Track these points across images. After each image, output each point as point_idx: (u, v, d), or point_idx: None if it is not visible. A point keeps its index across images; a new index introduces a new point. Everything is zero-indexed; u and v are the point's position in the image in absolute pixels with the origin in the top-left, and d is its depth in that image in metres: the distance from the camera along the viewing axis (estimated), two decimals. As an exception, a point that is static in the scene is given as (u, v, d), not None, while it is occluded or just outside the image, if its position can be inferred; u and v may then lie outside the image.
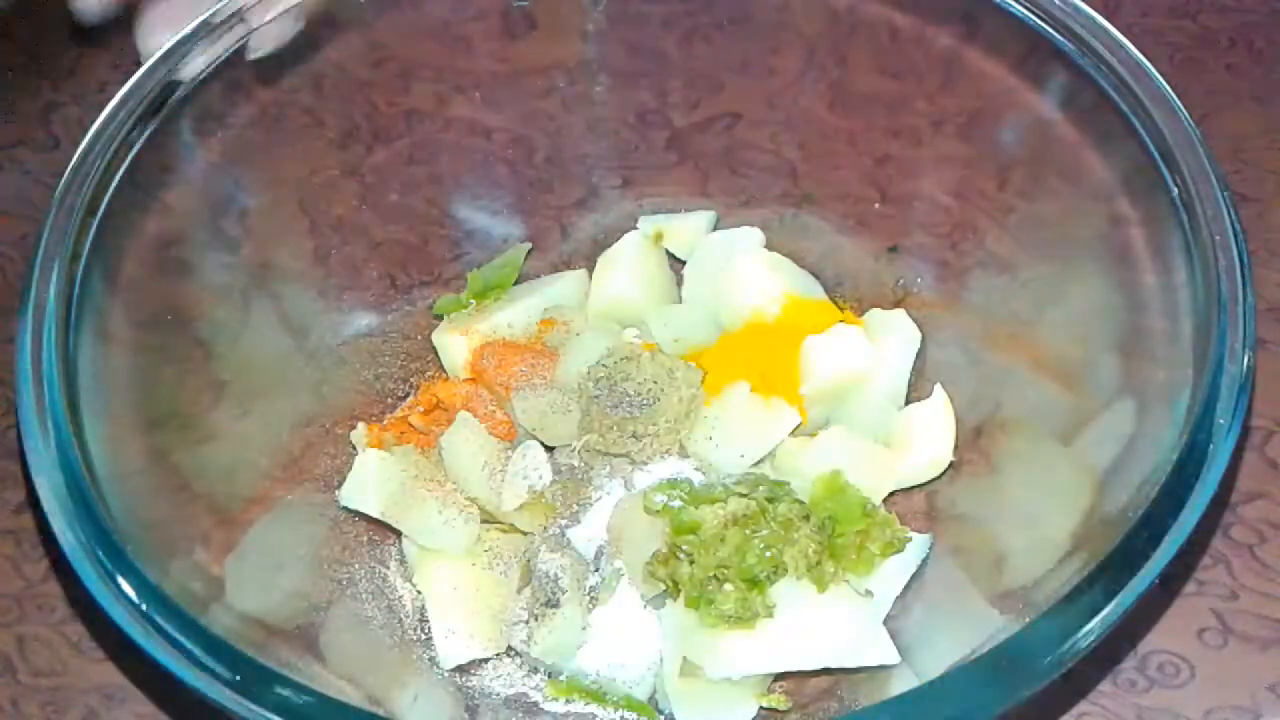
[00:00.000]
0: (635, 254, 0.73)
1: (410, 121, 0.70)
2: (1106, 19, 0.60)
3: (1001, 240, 0.67)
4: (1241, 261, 0.54)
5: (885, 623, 0.62)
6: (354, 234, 0.71)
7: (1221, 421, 0.51)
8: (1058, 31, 0.60)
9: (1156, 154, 0.57)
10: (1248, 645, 0.65)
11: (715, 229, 0.74)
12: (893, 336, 0.70)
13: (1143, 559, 0.48)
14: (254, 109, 0.62)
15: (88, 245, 0.56)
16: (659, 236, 0.74)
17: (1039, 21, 0.60)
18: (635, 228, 0.74)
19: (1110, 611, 0.47)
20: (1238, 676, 0.64)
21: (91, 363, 0.55)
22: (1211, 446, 0.50)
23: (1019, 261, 0.67)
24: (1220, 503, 0.51)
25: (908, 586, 0.63)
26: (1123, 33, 0.60)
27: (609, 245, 0.74)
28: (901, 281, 0.72)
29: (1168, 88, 0.58)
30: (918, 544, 0.64)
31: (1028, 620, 0.49)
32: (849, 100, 0.69)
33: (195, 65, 0.59)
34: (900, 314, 0.70)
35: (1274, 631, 0.65)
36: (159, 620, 0.48)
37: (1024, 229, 0.66)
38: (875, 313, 0.71)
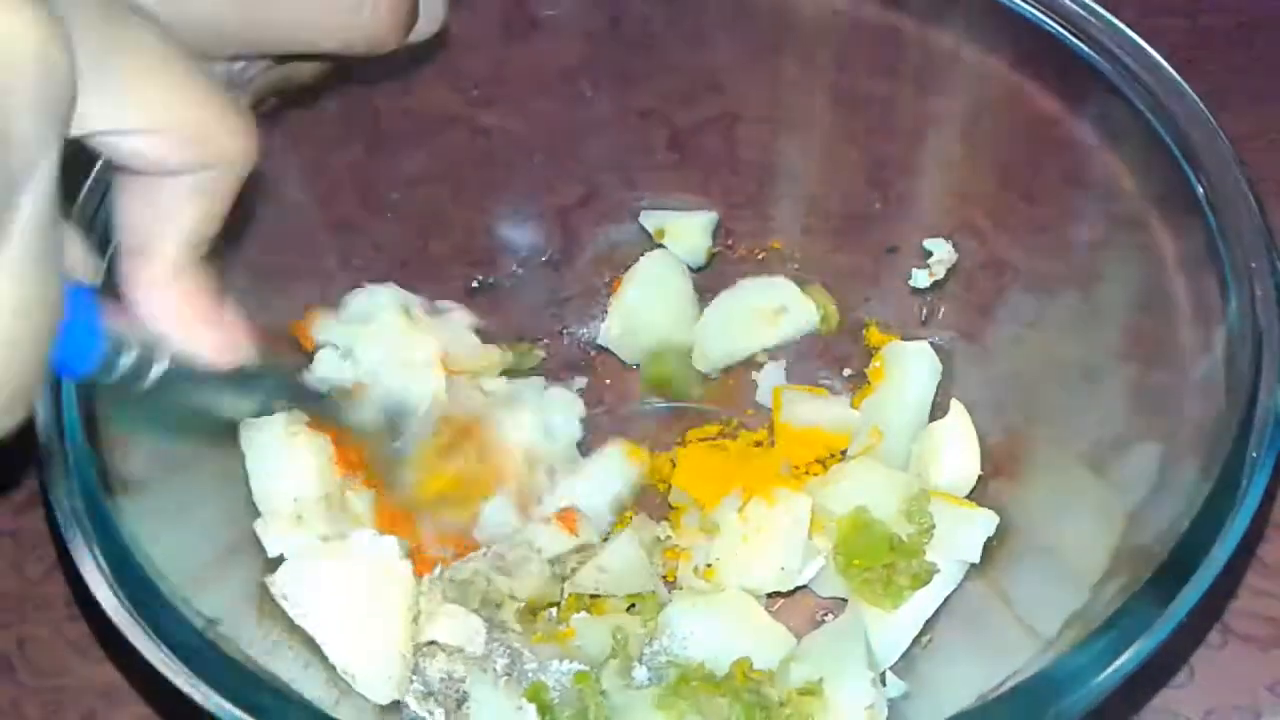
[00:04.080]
0: (658, 274, 0.73)
1: (410, 122, 0.70)
2: (1106, 19, 0.60)
3: (1003, 242, 0.67)
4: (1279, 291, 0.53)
5: (910, 649, 0.62)
6: (354, 235, 0.71)
7: (1254, 455, 0.49)
8: (1065, 29, 0.60)
9: (1185, 163, 0.56)
10: (1248, 645, 0.65)
11: (716, 229, 0.74)
12: (914, 369, 0.69)
13: (1171, 595, 0.47)
14: (251, 109, 0.62)
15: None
16: (660, 234, 0.74)
17: (1044, 19, 0.60)
18: (636, 225, 0.74)
19: (1139, 649, 0.46)
20: (1238, 676, 0.64)
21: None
22: (1243, 483, 0.49)
23: (1024, 264, 0.67)
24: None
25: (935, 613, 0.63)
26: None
27: (609, 244, 0.74)
28: (923, 297, 0.71)
29: (1186, 86, 0.57)
30: (949, 567, 0.63)
31: (1055, 654, 0.48)
32: (849, 100, 0.69)
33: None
34: (922, 346, 0.70)
35: (1274, 631, 0.65)
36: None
37: (1028, 231, 0.66)
38: (895, 344, 0.71)
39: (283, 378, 0.54)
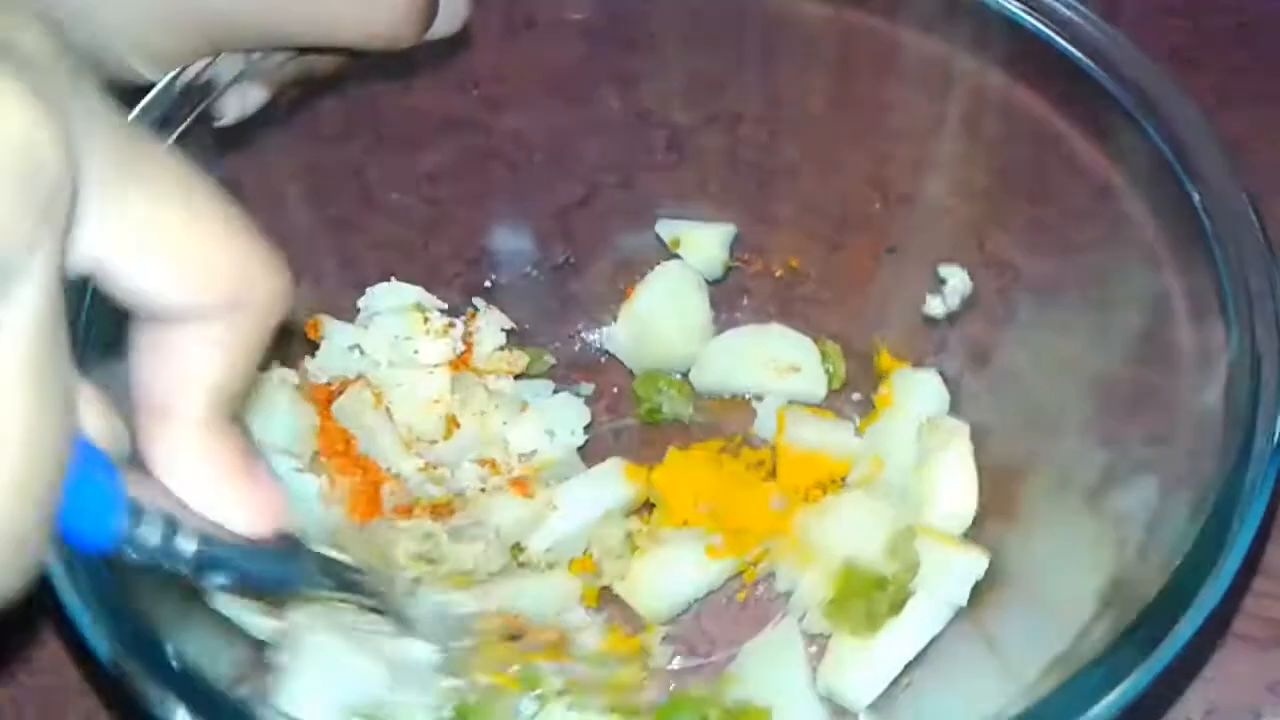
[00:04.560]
0: (672, 286, 0.72)
1: (409, 120, 0.70)
2: (1106, 18, 0.60)
3: (1003, 242, 0.67)
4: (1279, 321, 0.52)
5: (896, 687, 0.62)
6: (353, 233, 0.71)
7: (1251, 491, 0.48)
8: (1056, 34, 0.59)
9: (1180, 169, 0.56)
10: (1248, 646, 0.65)
11: (733, 244, 0.74)
12: (921, 398, 0.69)
13: (1155, 642, 0.46)
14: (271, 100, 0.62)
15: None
16: (675, 244, 0.73)
17: (1036, 24, 0.60)
18: (635, 228, 0.74)
19: (1119, 696, 0.46)
20: (1238, 676, 0.64)
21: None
22: (1236, 521, 0.48)
23: (1022, 264, 0.66)
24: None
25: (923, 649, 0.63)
26: (1122, 32, 0.60)
27: (625, 252, 0.74)
28: (936, 325, 0.71)
29: (1184, 96, 0.57)
30: (936, 609, 0.63)
31: (1032, 698, 0.47)
32: (849, 100, 0.69)
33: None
34: (930, 375, 0.69)
35: (1274, 631, 0.65)
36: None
37: (1028, 231, 0.66)
38: (904, 371, 0.70)
39: (324, 558, 0.48)
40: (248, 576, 0.41)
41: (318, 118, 0.66)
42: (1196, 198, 0.55)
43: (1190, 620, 0.47)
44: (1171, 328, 0.57)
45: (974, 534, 0.65)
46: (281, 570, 0.43)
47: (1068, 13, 0.59)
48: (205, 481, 0.38)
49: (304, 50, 0.57)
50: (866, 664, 0.62)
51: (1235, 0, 0.84)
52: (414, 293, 0.70)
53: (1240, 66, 0.81)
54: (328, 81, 0.61)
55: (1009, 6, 0.60)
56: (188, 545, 0.38)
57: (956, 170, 0.67)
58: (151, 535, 0.37)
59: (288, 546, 0.42)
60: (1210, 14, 0.83)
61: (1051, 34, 0.59)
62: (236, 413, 0.39)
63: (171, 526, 0.37)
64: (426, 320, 0.69)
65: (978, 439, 0.66)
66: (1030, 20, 0.59)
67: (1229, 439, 0.50)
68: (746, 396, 0.73)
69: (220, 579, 0.40)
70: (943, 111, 0.66)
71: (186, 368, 0.37)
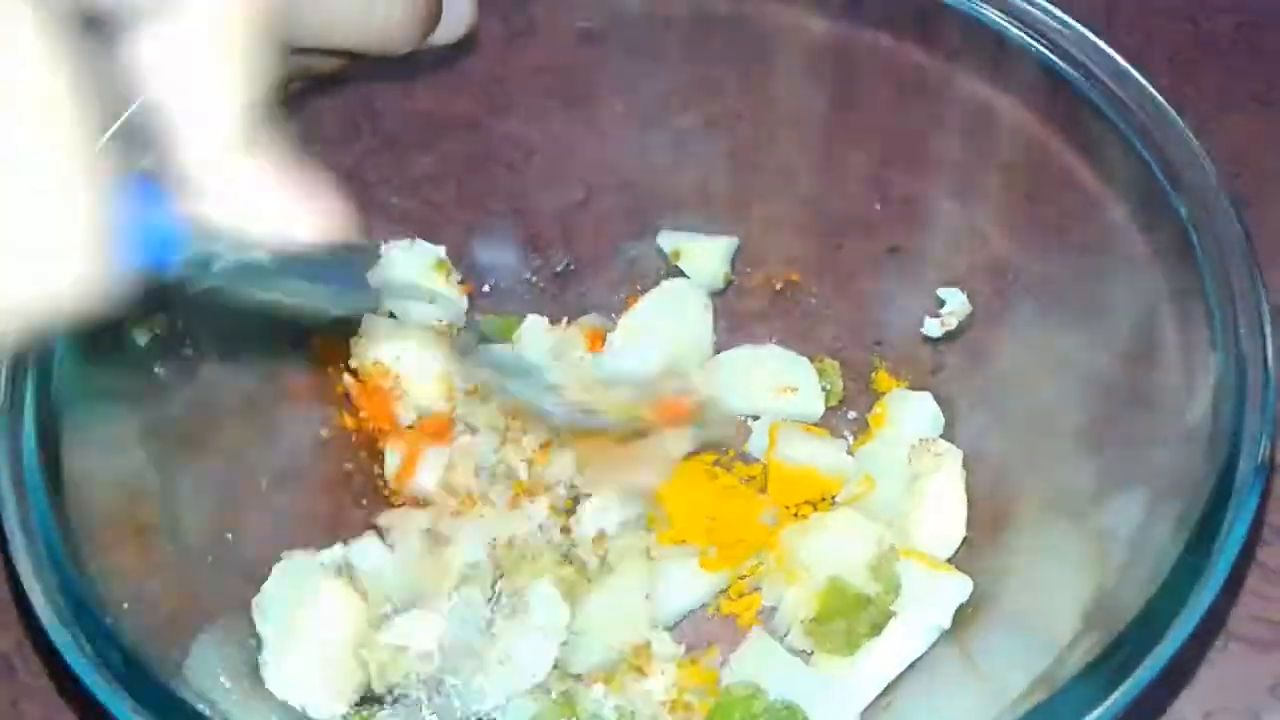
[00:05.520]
0: (672, 303, 0.72)
1: (408, 122, 0.70)
2: (1105, 20, 0.60)
3: (1003, 243, 0.67)
4: (1265, 342, 0.52)
5: (876, 706, 0.62)
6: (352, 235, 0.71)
7: (1233, 514, 0.48)
8: (1046, 48, 0.59)
9: (1166, 183, 0.56)
10: (1248, 646, 0.65)
11: (735, 255, 0.73)
12: (914, 420, 0.68)
13: (1145, 652, 0.46)
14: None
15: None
16: (676, 255, 0.73)
17: (1026, 37, 0.60)
18: (635, 233, 0.74)
19: (1110, 706, 0.46)
20: (1238, 677, 0.64)
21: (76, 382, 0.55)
22: (1220, 537, 0.48)
23: (1021, 263, 0.66)
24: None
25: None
26: (1121, 34, 0.60)
27: (608, 251, 0.74)
28: (934, 346, 0.71)
29: (1164, 103, 0.57)
30: (918, 632, 0.62)
31: (1025, 710, 0.48)
32: (849, 101, 0.69)
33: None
34: (925, 397, 0.69)
35: (1274, 632, 0.65)
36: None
37: (1027, 231, 0.66)
38: (899, 392, 0.70)
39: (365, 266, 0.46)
40: (309, 279, 0.40)
41: (317, 118, 0.66)
42: (1183, 211, 0.55)
43: (1172, 638, 0.46)
44: (1160, 342, 0.57)
45: (961, 555, 0.65)
46: (336, 276, 0.42)
47: (1057, 27, 0.59)
48: (255, 189, 0.38)
49: (302, 49, 0.57)
50: (846, 683, 0.62)
51: (1235, 0, 0.84)
52: (438, 251, 0.71)
53: (1240, 67, 0.81)
54: (326, 81, 0.61)
55: (1000, 21, 0.60)
56: (243, 252, 0.37)
57: (956, 170, 0.68)
58: (211, 245, 0.36)
59: (344, 253, 0.41)
60: (1210, 14, 0.83)
61: (1041, 48, 0.59)
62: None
63: (229, 240, 0.37)
64: (448, 276, 0.70)
65: (971, 462, 0.66)
66: (1020, 34, 0.60)
67: (1214, 454, 0.50)
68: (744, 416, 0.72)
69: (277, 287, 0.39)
70: (938, 120, 0.66)
71: (205, 82, 0.37)
